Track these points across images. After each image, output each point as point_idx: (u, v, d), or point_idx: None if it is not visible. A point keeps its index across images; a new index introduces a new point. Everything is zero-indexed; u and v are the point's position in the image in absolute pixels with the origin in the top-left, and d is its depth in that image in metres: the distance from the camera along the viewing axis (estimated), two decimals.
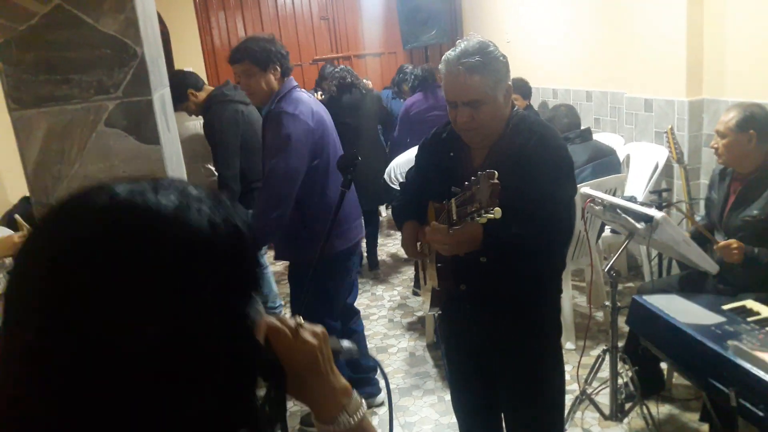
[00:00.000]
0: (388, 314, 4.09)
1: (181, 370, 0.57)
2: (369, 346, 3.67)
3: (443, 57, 1.81)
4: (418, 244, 2.07)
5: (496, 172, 1.47)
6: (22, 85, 1.72)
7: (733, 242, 2.43)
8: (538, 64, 5.27)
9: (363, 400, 0.86)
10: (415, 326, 3.89)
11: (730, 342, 1.86)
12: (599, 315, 3.66)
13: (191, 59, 5.90)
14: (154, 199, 0.59)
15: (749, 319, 2.07)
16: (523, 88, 4.35)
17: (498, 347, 1.96)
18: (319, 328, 0.81)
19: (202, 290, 0.58)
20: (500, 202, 1.46)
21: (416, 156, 2.15)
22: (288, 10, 6.47)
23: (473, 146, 1.87)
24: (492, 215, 1.48)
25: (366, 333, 3.81)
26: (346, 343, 0.91)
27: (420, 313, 4.01)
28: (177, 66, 5.59)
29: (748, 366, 1.73)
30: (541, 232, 1.72)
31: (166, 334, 0.56)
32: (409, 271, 4.75)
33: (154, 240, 0.57)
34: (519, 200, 1.53)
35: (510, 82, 1.82)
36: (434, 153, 1.99)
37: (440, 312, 2.24)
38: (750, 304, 2.19)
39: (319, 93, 5.29)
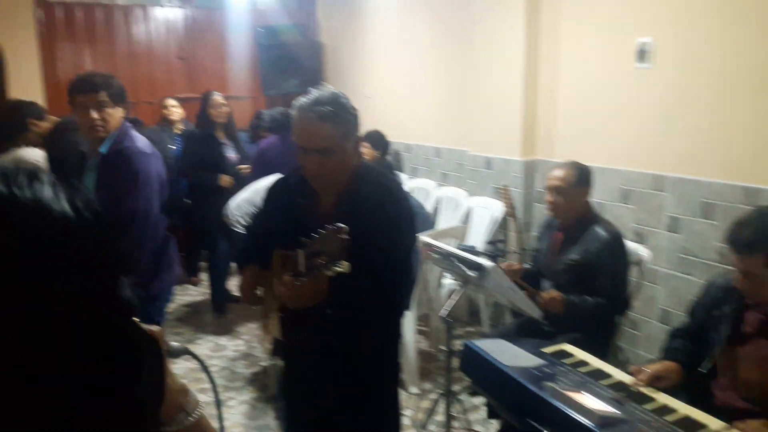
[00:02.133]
0: (230, 365, 3.89)
1: (60, 351, 0.61)
2: (206, 399, 3.45)
3: (296, 104, 1.81)
4: (259, 291, 2.01)
5: (346, 227, 1.48)
6: None
7: (556, 295, 2.62)
8: (394, 120, 5.49)
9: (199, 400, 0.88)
10: (260, 377, 3.73)
11: (546, 383, 1.97)
12: (442, 358, 3.76)
13: (30, 90, 5.44)
14: (5, 190, 0.61)
15: (565, 361, 2.22)
16: (380, 141, 4.50)
17: (339, 397, 1.93)
18: (155, 328, 0.82)
19: (74, 271, 0.61)
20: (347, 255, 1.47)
21: (265, 200, 2.11)
22: (143, 47, 6.22)
23: (322, 193, 1.87)
24: (340, 269, 1.48)
25: (203, 386, 3.60)
26: (175, 344, 0.94)
27: (266, 363, 3.86)
28: (14, 96, 5.15)
29: (561, 406, 1.84)
30: (386, 283, 1.75)
31: (42, 316, 0.59)
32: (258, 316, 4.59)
33: (21, 227, 0.59)
34: (365, 250, 1.55)
35: (359, 134, 1.86)
36: (283, 198, 1.97)
37: (282, 362, 2.18)
38: (566, 347, 2.35)
39: None
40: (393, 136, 4.79)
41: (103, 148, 2.52)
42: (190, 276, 5.37)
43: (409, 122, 5.47)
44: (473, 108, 4.45)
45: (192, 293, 5.25)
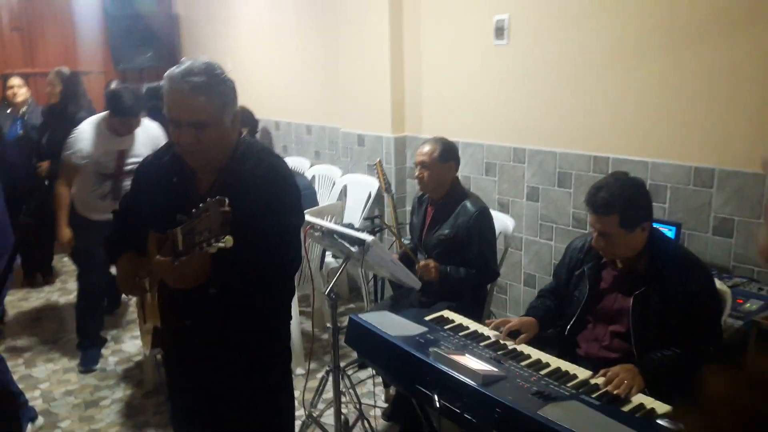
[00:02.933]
0: (100, 362, 3.64)
1: None
2: (75, 402, 3.23)
3: (166, 73, 1.68)
4: (138, 278, 1.89)
5: (226, 199, 1.40)
6: None
7: (430, 262, 2.74)
8: (262, 97, 5.35)
9: None
10: (132, 372, 3.53)
11: (431, 349, 2.06)
12: (325, 337, 3.79)
13: None
14: None
15: (446, 327, 2.33)
16: (247, 118, 4.35)
17: (228, 382, 1.87)
18: None
19: None
20: (230, 230, 1.39)
21: (133, 181, 1.96)
22: None
23: (198, 170, 1.76)
24: (223, 244, 1.40)
25: (72, 387, 3.36)
26: None
27: (138, 358, 3.66)
28: None
29: (446, 369, 1.93)
30: (272, 261, 1.69)
31: None
32: (128, 310, 4.33)
33: None
34: (248, 228, 1.48)
35: (238, 108, 1.77)
36: (154, 178, 1.83)
37: (163, 353, 2.06)
38: (446, 314, 2.47)
39: None
40: (260, 114, 4.67)
41: None
42: (45, 276, 4.92)
43: (278, 99, 5.36)
44: (344, 85, 4.46)
45: (32, 296, 4.81)
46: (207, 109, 1.65)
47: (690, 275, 2.04)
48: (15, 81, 4.71)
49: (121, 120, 3.29)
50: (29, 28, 5.79)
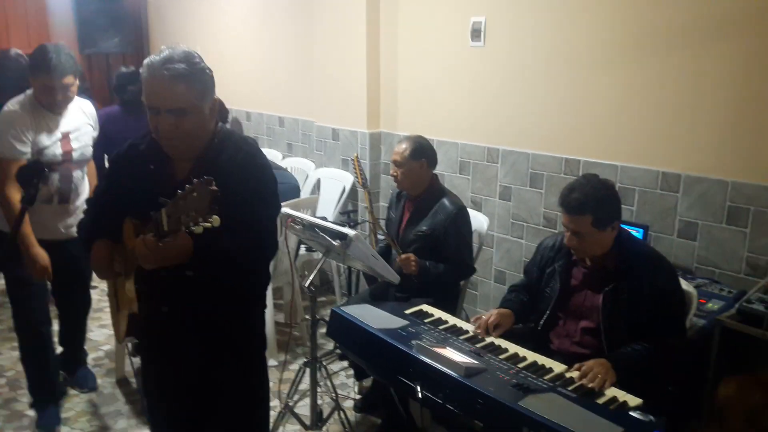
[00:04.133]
0: None
1: None
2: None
3: (145, 61, 1.68)
4: (115, 264, 1.88)
5: (213, 179, 1.42)
6: None
7: (411, 256, 2.80)
8: (231, 85, 5.30)
9: None
10: (101, 362, 3.48)
11: (413, 341, 2.13)
12: (295, 330, 3.81)
13: None
14: None
15: (426, 320, 2.40)
16: (218, 107, 4.31)
17: (204, 369, 1.88)
18: None
19: None
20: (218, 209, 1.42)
21: (108, 169, 1.95)
22: None
23: (176, 158, 1.77)
24: (209, 224, 1.42)
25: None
26: None
27: (107, 347, 3.61)
28: None
29: (428, 361, 2.00)
30: (249, 247, 1.73)
31: None
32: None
33: None
34: (225, 214, 1.50)
35: (216, 96, 1.79)
36: (130, 166, 1.83)
37: (136, 341, 2.06)
38: (425, 308, 2.54)
39: None
40: (231, 104, 4.63)
41: None
42: None
43: (250, 89, 5.33)
44: (319, 79, 4.47)
45: None
46: (186, 96, 1.66)
47: (657, 272, 2.16)
48: None
49: (49, 86, 2.62)
50: None
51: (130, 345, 3.20)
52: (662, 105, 2.86)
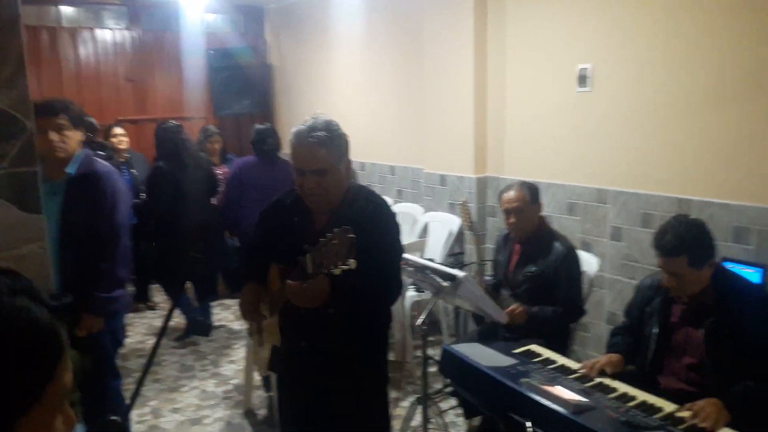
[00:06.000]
0: (201, 384, 3.94)
1: None
2: (181, 419, 3.52)
3: (294, 131, 2.00)
4: (261, 305, 2.15)
5: (351, 228, 1.65)
6: None
7: (517, 307, 2.85)
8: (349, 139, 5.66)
9: None
10: (231, 394, 3.80)
11: (523, 380, 2.19)
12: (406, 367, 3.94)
13: None
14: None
15: (534, 360, 2.45)
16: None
17: (336, 401, 2.08)
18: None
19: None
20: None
21: (258, 221, 2.25)
22: (91, 70, 6.18)
23: (316, 211, 2.04)
24: (348, 266, 1.65)
25: (177, 406, 3.65)
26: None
27: (236, 381, 3.93)
28: None
29: (538, 398, 2.06)
30: (380, 286, 1.95)
31: None
32: (222, 338, 4.64)
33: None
34: (360, 259, 1.72)
35: (350, 157, 2.04)
36: (277, 218, 2.13)
37: (276, 375, 2.30)
38: (533, 348, 2.59)
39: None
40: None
41: (71, 169, 2.59)
42: (140, 301, 5.33)
43: (363, 141, 5.67)
44: (427, 128, 4.71)
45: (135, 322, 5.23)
46: (327, 159, 1.94)
47: (759, 306, 2.10)
48: (118, 130, 5.23)
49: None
50: (141, 79, 6.42)
51: (258, 378, 3.51)
52: None
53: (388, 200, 5.31)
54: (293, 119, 6.36)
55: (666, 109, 3.24)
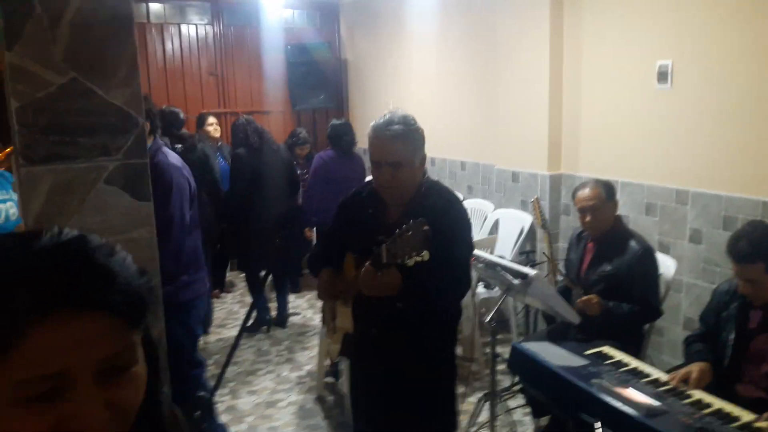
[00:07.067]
0: (276, 369, 4.12)
1: None
2: (257, 401, 3.70)
3: (372, 124, 2.08)
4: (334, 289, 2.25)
5: (425, 220, 1.72)
6: (33, 144, 1.85)
7: (594, 297, 2.83)
8: None
9: None
10: (304, 379, 3.96)
11: (594, 380, 2.20)
12: (474, 365, 3.97)
13: None
14: None
15: (606, 362, 2.44)
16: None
17: (407, 389, 2.15)
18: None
19: None
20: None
21: (336, 213, 2.35)
22: (177, 64, 6.50)
23: (391, 204, 2.11)
24: (421, 258, 1.72)
25: (253, 389, 3.84)
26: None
27: (309, 367, 4.09)
28: None
29: (610, 400, 2.06)
30: (450, 281, 1.99)
31: None
32: (296, 326, 4.83)
33: None
34: (432, 252, 1.77)
35: (425, 152, 2.10)
36: (354, 209, 2.21)
37: (348, 361, 2.40)
38: (606, 349, 2.58)
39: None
40: None
41: None
42: (218, 288, 5.58)
43: (436, 137, 5.66)
44: (500, 124, 4.69)
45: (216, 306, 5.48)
46: (402, 152, 2.01)
47: None
48: (212, 119, 5.50)
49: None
50: (223, 74, 6.70)
51: (328, 366, 3.64)
52: None
53: (459, 196, 5.39)
54: (367, 114, 6.47)
55: (749, 109, 3.11)
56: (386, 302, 1.96)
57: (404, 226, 1.75)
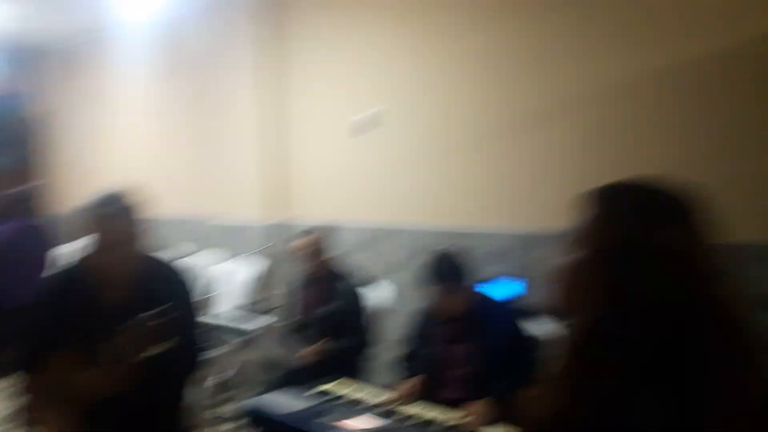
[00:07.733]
0: None
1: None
2: None
3: (82, 206, 1.95)
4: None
5: (148, 315, 1.73)
6: None
7: (311, 349, 3.01)
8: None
9: None
10: None
11: (317, 420, 2.29)
12: None
13: None
14: None
15: (329, 398, 2.57)
16: None
17: None
18: None
19: None
20: None
21: (39, 297, 2.05)
22: None
23: (110, 286, 1.96)
24: (152, 353, 1.72)
25: None
26: None
27: None
28: None
29: None
30: (187, 361, 2.03)
31: None
32: None
33: None
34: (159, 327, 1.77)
35: (141, 226, 2.01)
36: (63, 293, 2.00)
37: None
38: (328, 387, 2.70)
39: None
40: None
41: None
42: None
43: (149, 193, 5.41)
44: (215, 178, 4.68)
45: None
46: (121, 230, 1.93)
47: (501, 318, 2.56)
48: None
49: None
50: None
51: None
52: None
53: (180, 252, 5.18)
54: (73, 172, 5.92)
55: (432, 152, 3.66)
56: (120, 397, 1.80)
57: (127, 325, 1.72)
